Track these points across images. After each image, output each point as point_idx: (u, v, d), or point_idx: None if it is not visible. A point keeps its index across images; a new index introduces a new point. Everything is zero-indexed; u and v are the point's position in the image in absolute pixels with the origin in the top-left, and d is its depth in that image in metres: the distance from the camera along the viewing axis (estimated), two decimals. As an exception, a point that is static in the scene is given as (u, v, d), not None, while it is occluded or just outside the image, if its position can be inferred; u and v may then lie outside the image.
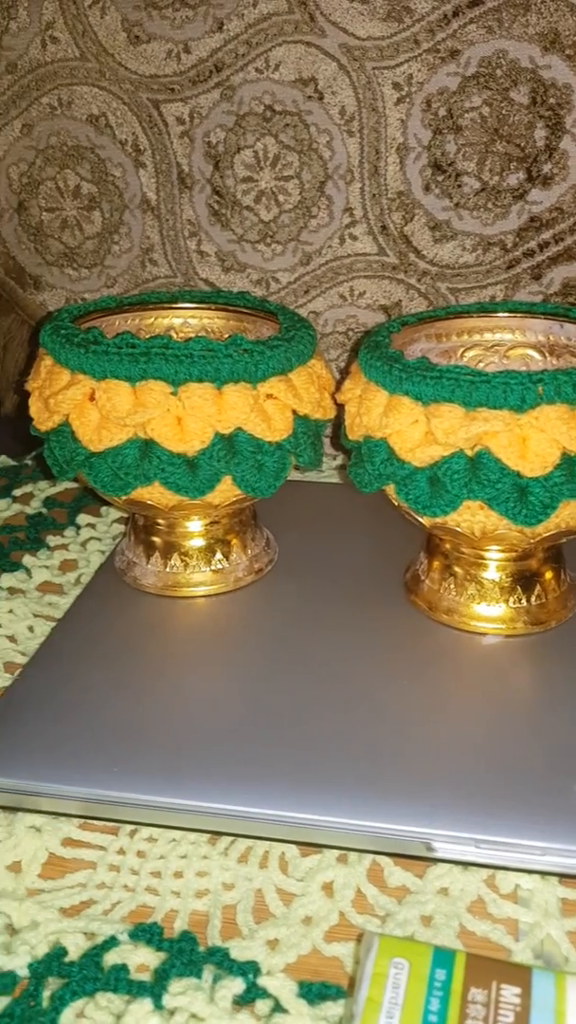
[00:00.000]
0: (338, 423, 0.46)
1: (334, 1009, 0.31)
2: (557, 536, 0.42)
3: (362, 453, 0.42)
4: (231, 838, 0.37)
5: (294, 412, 0.43)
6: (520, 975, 0.28)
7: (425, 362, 0.40)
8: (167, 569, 0.47)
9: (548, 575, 0.45)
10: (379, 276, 0.60)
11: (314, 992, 0.31)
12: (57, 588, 0.52)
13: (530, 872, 0.35)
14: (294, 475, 0.60)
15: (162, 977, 0.31)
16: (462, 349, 0.49)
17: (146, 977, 0.31)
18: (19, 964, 0.31)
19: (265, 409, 0.42)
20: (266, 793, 0.36)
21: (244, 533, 0.48)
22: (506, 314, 0.48)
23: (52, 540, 0.56)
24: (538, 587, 0.45)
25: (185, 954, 0.31)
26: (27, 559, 0.54)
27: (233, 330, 0.51)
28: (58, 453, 0.43)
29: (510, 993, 0.28)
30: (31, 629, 0.48)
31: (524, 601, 0.44)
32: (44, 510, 0.59)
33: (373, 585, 0.48)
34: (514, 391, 0.37)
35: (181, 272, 0.62)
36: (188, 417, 0.40)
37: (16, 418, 0.69)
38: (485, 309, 0.48)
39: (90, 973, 0.31)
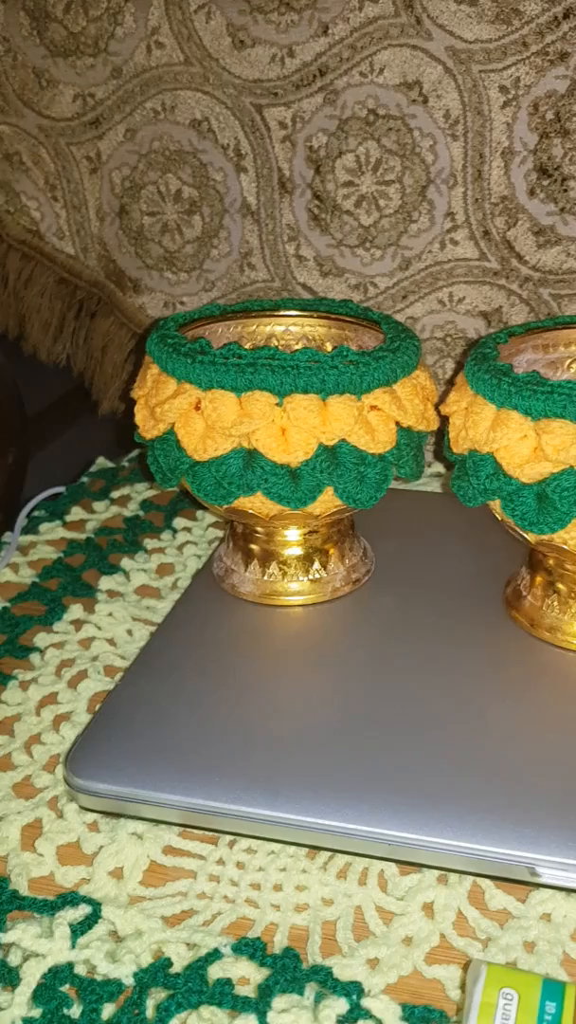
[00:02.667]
0: (440, 433, 0.46)
1: (436, 1035, 0.30)
2: None
3: (467, 467, 0.41)
4: (330, 853, 0.37)
5: (397, 424, 0.43)
6: (633, 1013, 0.27)
7: (536, 376, 0.39)
8: (265, 577, 0.47)
9: None
10: (480, 282, 0.59)
11: (417, 1015, 0.30)
12: (155, 592, 0.53)
13: None
14: (392, 483, 0.60)
15: (266, 993, 0.31)
16: (569, 360, 0.48)
17: (247, 991, 0.31)
18: (125, 972, 0.32)
19: (369, 421, 0.41)
20: (365, 810, 0.35)
21: (342, 543, 0.48)
22: (617, 325, 0.47)
23: (149, 543, 0.57)
24: None
25: (289, 971, 0.31)
26: (125, 562, 0.55)
27: (335, 338, 0.50)
28: (162, 461, 0.43)
29: (622, 1031, 0.27)
30: (130, 633, 0.49)
31: (630, 621, 0.43)
32: (141, 513, 0.60)
33: (472, 599, 0.47)
34: (630, 408, 0.36)
35: (279, 276, 0.62)
36: (292, 428, 0.40)
37: (115, 420, 0.70)
38: (595, 320, 0.47)
39: (195, 986, 0.31)
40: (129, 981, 0.31)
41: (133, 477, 0.64)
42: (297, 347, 0.51)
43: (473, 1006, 0.28)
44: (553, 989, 0.28)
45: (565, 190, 0.55)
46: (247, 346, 0.51)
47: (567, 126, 0.54)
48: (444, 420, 0.45)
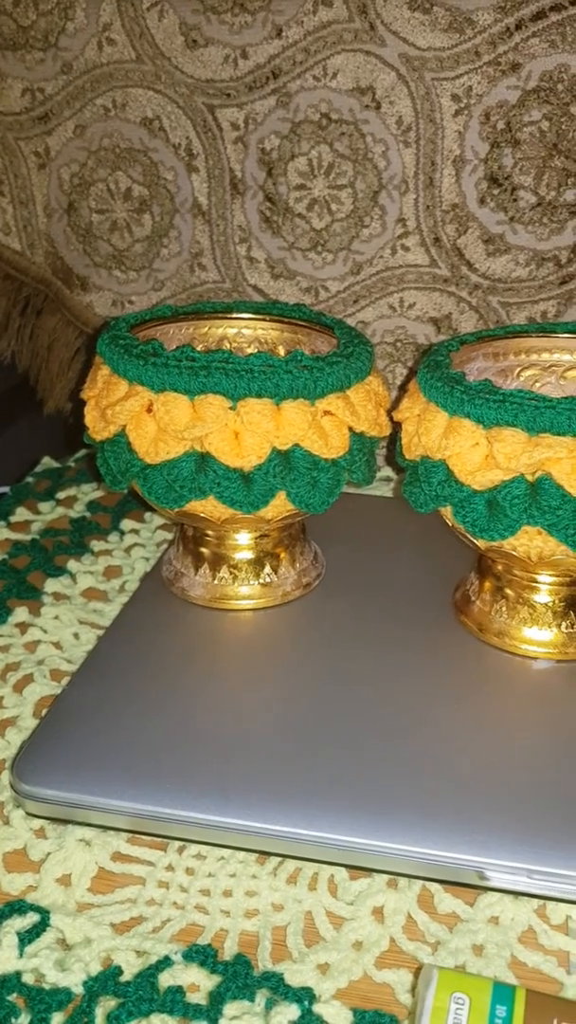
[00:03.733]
0: (392, 438, 0.46)
1: (387, 1039, 0.30)
2: (614, 563, 0.41)
3: (419, 473, 0.42)
4: (280, 858, 0.36)
5: (350, 429, 0.43)
6: (580, 1014, 0.28)
7: (488, 384, 0.39)
8: (215, 581, 0.47)
9: (601, 600, 0.45)
10: (430, 288, 0.59)
11: (368, 1020, 0.31)
12: (102, 595, 0.52)
13: (582, 904, 0.35)
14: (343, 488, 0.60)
15: (217, 1000, 0.31)
16: (519, 369, 0.48)
17: (199, 999, 0.31)
18: (74, 981, 0.31)
19: (322, 426, 0.41)
20: (315, 815, 0.35)
21: (293, 547, 0.48)
22: (565, 335, 0.48)
23: (96, 545, 0.56)
24: (590, 612, 0.44)
25: (240, 977, 0.31)
26: (72, 564, 0.54)
27: (288, 342, 0.50)
28: (113, 463, 0.42)
29: (570, 1033, 0.27)
30: (76, 636, 0.48)
31: (576, 626, 0.44)
32: (88, 514, 0.59)
33: (421, 603, 0.48)
34: (579, 418, 0.37)
35: (230, 278, 0.61)
36: (246, 432, 0.40)
37: (61, 419, 0.69)
38: (544, 329, 0.48)
39: (146, 994, 0.30)
40: (78, 990, 0.31)
41: (80, 478, 0.63)
42: (250, 350, 0.51)
43: (425, 1011, 0.28)
44: (503, 993, 0.28)
45: (515, 200, 0.56)
46: (199, 348, 0.50)
47: (518, 136, 0.55)
48: (396, 426, 0.46)
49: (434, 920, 0.34)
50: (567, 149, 0.55)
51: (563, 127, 0.54)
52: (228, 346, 0.51)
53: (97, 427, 0.42)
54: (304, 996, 0.31)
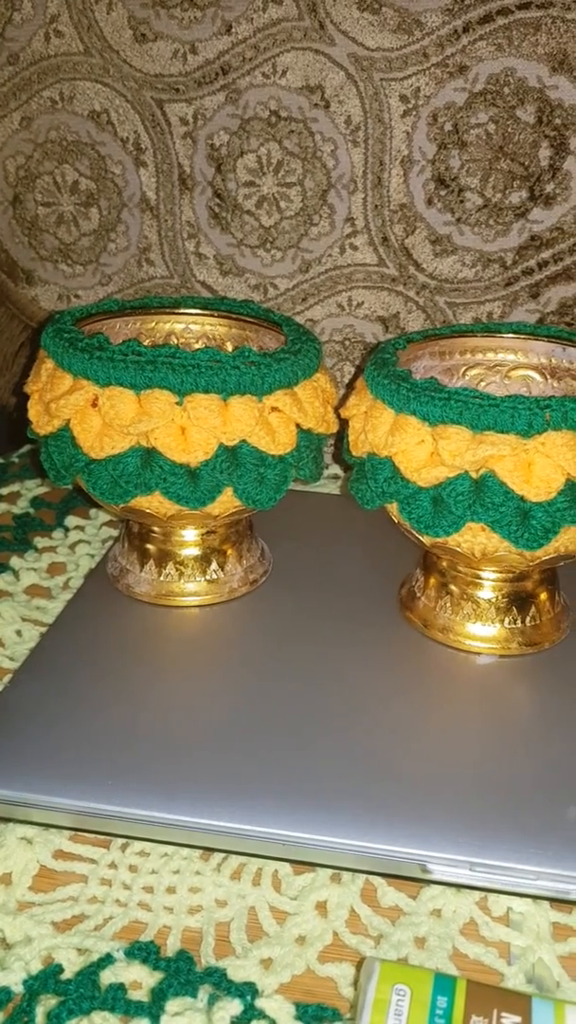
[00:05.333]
0: (339, 435, 0.46)
1: (330, 1032, 0.30)
2: (555, 560, 0.42)
3: (365, 470, 0.42)
4: (224, 854, 0.36)
5: (298, 426, 0.43)
6: (520, 1003, 0.28)
7: (433, 383, 0.40)
8: (161, 578, 0.46)
9: (543, 597, 0.45)
10: (378, 287, 0.60)
11: (311, 1014, 0.31)
12: (45, 592, 0.51)
13: (522, 895, 0.35)
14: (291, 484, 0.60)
15: (159, 997, 0.30)
16: (464, 368, 0.49)
17: (142, 996, 0.31)
18: (14, 980, 0.31)
19: (270, 422, 0.41)
20: (260, 810, 0.35)
21: (240, 543, 0.48)
22: (510, 335, 0.48)
23: (40, 542, 0.55)
24: (533, 608, 0.45)
25: (182, 973, 0.31)
26: (14, 561, 0.53)
27: (236, 338, 0.50)
28: (57, 458, 0.42)
29: (510, 1021, 0.28)
30: (19, 633, 0.48)
31: (519, 622, 0.44)
32: (31, 510, 0.59)
33: (368, 600, 0.48)
34: (522, 416, 0.37)
35: (178, 273, 0.61)
36: (192, 428, 0.40)
37: (5, 414, 0.68)
38: (489, 329, 0.49)
39: (87, 991, 0.30)
40: (18, 988, 0.31)
41: (23, 473, 0.63)
42: (197, 346, 0.51)
43: (367, 1003, 0.28)
44: (444, 984, 0.29)
45: (461, 201, 0.57)
46: (146, 343, 0.50)
47: (464, 138, 0.55)
48: (343, 423, 0.46)
49: (377, 913, 0.35)
50: (513, 152, 0.55)
51: (509, 130, 0.55)
52: (175, 342, 0.50)
53: (41, 421, 0.42)
54: (246, 991, 0.31)
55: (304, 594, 0.48)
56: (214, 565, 0.47)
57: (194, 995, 0.31)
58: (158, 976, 0.31)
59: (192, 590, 0.46)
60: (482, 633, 0.45)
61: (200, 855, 0.36)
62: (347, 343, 0.62)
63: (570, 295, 0.59)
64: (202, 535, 0.46)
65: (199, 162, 0.58)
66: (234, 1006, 0.30)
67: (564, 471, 0.38)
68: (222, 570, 0.47)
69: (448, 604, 0.45)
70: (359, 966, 0.33)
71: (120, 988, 0.30)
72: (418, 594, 0.47)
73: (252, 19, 0.54)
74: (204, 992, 0.31)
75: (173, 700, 0.41)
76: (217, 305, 0.50)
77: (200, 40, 0.55)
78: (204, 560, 0.47)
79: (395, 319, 0.61)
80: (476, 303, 0.60)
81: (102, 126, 0.58)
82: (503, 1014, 0.28)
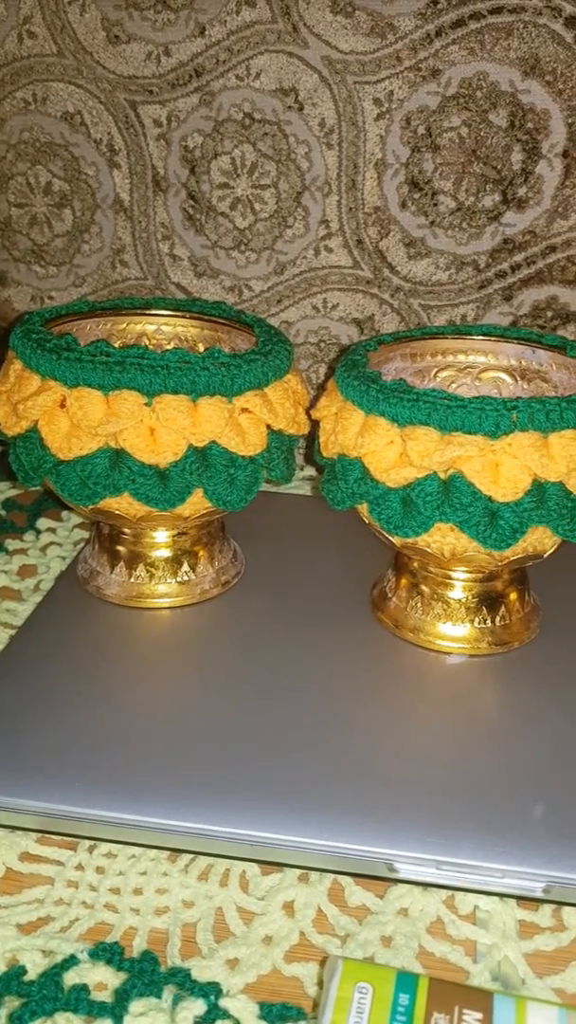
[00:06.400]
0: (311, 437, 0.46)
1: (294, 1031, 0.31)
2: (524, 560, 0.42)
3: (336, 471, 0.42)
4: (192, 855, 0.36)
5: (268, 427, 0.43)
6: (482, 1000, 0.28)
7: (402, 384, 0.40)
8: (131, 579, 0.46)
9: (513, 596, 0.45)
10: (353, 289, 0.60)
11: (275, 1014, 0.31)
12: (15, 594, 0.51)
13: (489, 894, 0.35)
14: (263, 486, 0.60)
15: (123, 998, 0.30)
16: (436, 369, 0.49)
17: (106, 997, 0.31)
18: (-24, 984, 0.31)
19: (240, 423, 0.41)
20: (227, 811, 0.35)
21: (211, 545, 0.48)
22: (480, 337, 0.48)
23: (11, 544, 0.55)
24: (503, 608, 0.45)
25: (146, 974, 0.31)
26: (-13, 562, 0.53)
27: (208, 340, 0.50)
28: (25, 459, 0.42)
29: (472, 1018, 0.28)
30: (-10, 635, 0.48)
31: (489, 622, 0.45)
32: (3, 512, 0.58)
33: (340, 601, 0.48)
34: (489, 417, 0.38)
35: (152, 275, 0.61)
36: (162, 429, 0.40)
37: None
38: (460, 331, 0.49)
39: (50, 993, 0.30)
40: (-19, 993, 0.30)
41: (-4, 475, 0.63)
42: (169, 347, 0.51)
43: (329, 1001, 0.28)
44: (407, 981, 0.29)
45: (435, 204, 0.57)
46: (117, 345, 0.50)
47: (438, 142, 0.56)
48: (315, 424, 0.46)
49: (344, 913, 0.35)
50: (485, 156, 0.56)
51: (482, 134, 0.55)
52: (147, 343, 0.50)
53: (9, 422, 0.42)
54: (210, 991, 0.31)
55: (276, 595, 0.48)
56: (185, 567, 0.47)
57: (159, 995, 0.31)
58: (122, 977, 0.31)
59: (163, 592, 0.46)
60: (452, 633, 0.45)
61: (168, 856, 0.36)
62: (322, 345, 0.62)
63: (543, 298, 0.59)
64: (173, 536, 0.46)
65: (173, 164, 0.58)
66: (198, 1006, 0.30)
67: (530, 472, 0.38)
68: (193, 572, 0.47)
69: (419, 604, 0.45)
70: (324, 965, 0.33)
71: (83, 989, 0.30)
72: (389, 595, 0.47)
73: (225, 22, 0.54)
74: (169, 992, 0.31)
75: (142, 702, 0.41)
76: (189, 306, 0.50)
77: (173, 42, 0.55)
78: (175, 562, 0.47)
79: (370, 321, 0.61)
80: (450, 306, 0.60)
81: (75, 127, 0.58)
82: (465, 1011, 0.28)
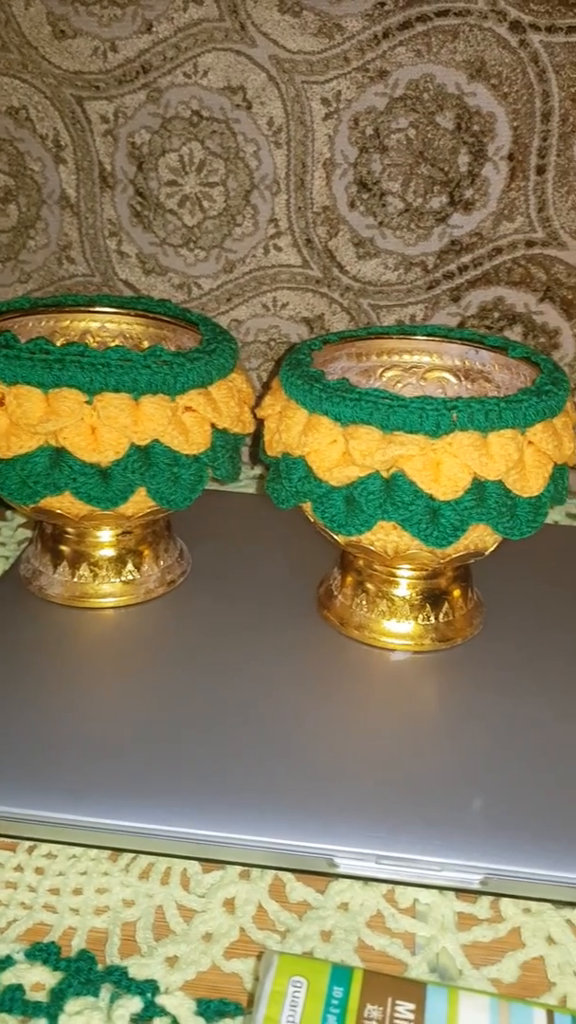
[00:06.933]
0: (257, 435, 0.46)
1: (232, 1027, 0.31)
2: (466, 557, 0.43)
3: (280, 469, 0.42)
4: (132, 854, 0.36)
5: (213, 425, 0.43)
6: (415, 991, 0.29)
7: (345, 383, 0.40)
8: (75, 579, 0.46)
9: (456, 593, 0.46)
10: (303, 288, 0.60)
11: (212, 1010, 0.31)
12: (-39, 592, 0.51)
13: (428, 887, 0.36)
14: (210, 484, 0.60)
15: (59, 997, 0.30)
16: (381, 369, 0.49)
17: (42, 997, 0.31)
18: None
19: (183, 422, 0.41)
20: (168, 809, 0.35)
21: (157, 544, 0.48)
22: (424, 338, 0.49)
23: (-43, 542, 0.55)
24: (446, 605, 0.46)
25: (83, 973, 0.31)
26: None
27: (153, 338, 0.50)
28: (-35, 457, 0.41)
29: (405, 1009, 0.28)
30: None
31: (432, 618, 0.45)
32: (-50, 510, 0.58)
33: (286, 599, 0.48)
34: (429, 416, 0.38)
35: (100, 272, 0.61)
36: (103, 427, 0.40)
37: None
38: (405, 331, 0.49)
39: (-16, 995, 0.30)
40: None
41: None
42: (113, 345, 0.51)
43: (263, 995, 0.28)
44: (341, 974, 0.29)
45: (383, 205, 0.58)
46: (59, 342, 0.50)
47: (385, 143, 0.56)
48: (260, 423, 0.46)
49: (284, 908, 0.35)
50: (433, 157, 0.56)
51: (429, 136, 0.56)
52: (91, 341, 0.50)
53: (-52, 420, 0.41)
54: (147, 988, 0.31)
55: (222, 594, 0.48)
56: (130, 566, 0.47)
57: (95, 994, 0.31)
58: (59, 976, 0.31)
59: (107, 591, 0.46)
60: (397, 630, 0.45)
61: (108, 856, 0.36)
62: (272, 344, 0.62)
63: (490, 299, 0.60)
64: (117, 536, 0.46)
65: (120, 160, 0.58)
66: (134, 1004, 0.30)
67: (470, 470, 0.39)
68: (138, 571, 0.47)
69: (364, 602, 0.46)
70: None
71: (18, 989, 0.30)
72: (335, 593, 0.47)
73: (173, 18, 0.54)
74: (106, 991, 0.31)
75: (84, 702, 0.40)
76: (133, 304, 0.50)
77: (120, 38, 0.55)
78: (119, 561, 0.46)
79: (320, 320, 0.61)
80: (399, 306, 0.61)
81: (20, 122, 0.57)
82: (398, 1002, 0.28)
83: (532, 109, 0.54)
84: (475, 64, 0.54)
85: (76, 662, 0.43)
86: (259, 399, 0.46)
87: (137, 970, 0.32)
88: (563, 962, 0.34)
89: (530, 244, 0.58)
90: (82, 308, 0.50)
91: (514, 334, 0.61)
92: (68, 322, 0.50)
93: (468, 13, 0.53)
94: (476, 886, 0.35)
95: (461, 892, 0.36)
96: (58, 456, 0.40)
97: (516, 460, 0.39)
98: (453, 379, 0.49)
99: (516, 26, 0.52)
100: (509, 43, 0.53)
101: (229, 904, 0.35)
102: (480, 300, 0.60)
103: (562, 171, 0.56)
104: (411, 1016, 0.28)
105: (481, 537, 0.41)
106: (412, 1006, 0.28)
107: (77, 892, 0.35)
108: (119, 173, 0.58)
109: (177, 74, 0.55)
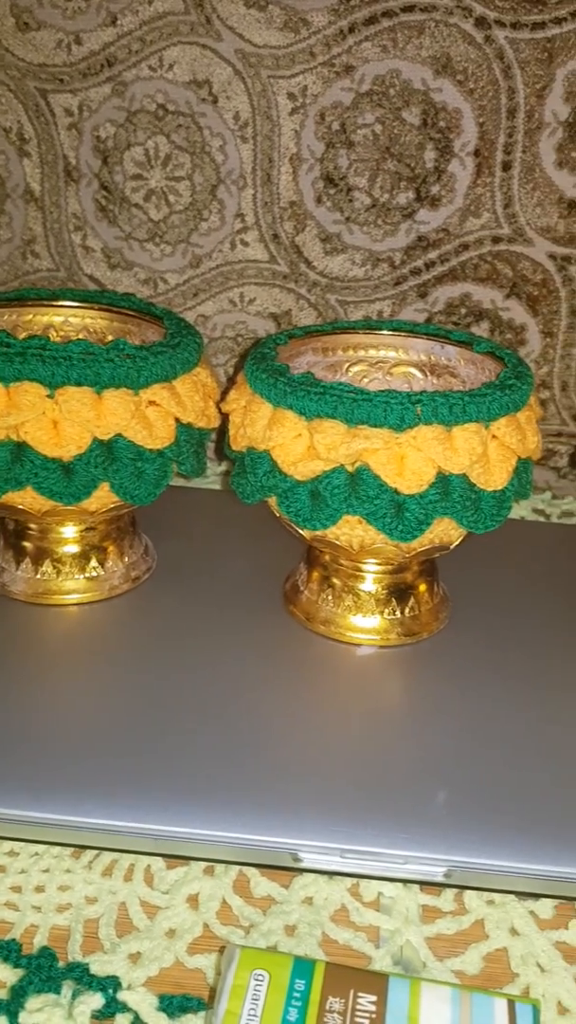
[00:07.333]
0: (223, 431, 0.46)
1: (194, 1022, 0.31)
2: (431, 551, 0.43)
3: (245, 464, 0.42)
4: (96, 851, 0.36)
5: (177, 420, 0.43)
6: (377, 983, 0.29)
7: (310, 377, 0.40)
8: (38, 576, 0.46)
9: (422, 588, 0.46)
10: (270, 284, 0.60)
11: (175, 1005, 0.31)
12: None
13: (392, 880, 0.36)
14: (176, 480, 0.60)
15: (19, 994, 0.30)
16: (347, 364, 0.49)
17: (2, 994, 0.30)
18: None
19: (147, 416, 0.41)
20: (132, 806, 0.35)
21: (121, 540, 0.48)
22: (390, 332, 0.49)
23: None
24: (412, 599, 0.46)
25: (44, 970, 0.31)
26: None
27: (117, 332, 0.50)
28: None
29: (366, 1001, 0.28)
30: None
31: (398, 613, 0.45)
32: None
33: (252, 595, 0.48)
34: (394, 410, 0.38)
35: (64, 266, 0.60)
36: (65, 421, 0.39)
37: None
38: (371, 326, 0.49)
39: (-58, 994, 0.30)
40: None
41: None
42: (76, 339, 0.50)
43: (225, 989, 0.28)
44: (303, 967, 0.29)
45: (350, 200, 0.58)
46: (21, 336, 0.49)
47: (352, 138, 0.56)
48: (225, 418, 0.46)
49: (248, 904, 0.35)
50: (399, 153, 0.56)
51: (395, 131, 0.56)
52: (54, 335, 0.50)
53: None
54: (109, 984, 0.30)
55: (188, 590, 0.48)
56: (94, 562, 0.46)
57: (57, 991, 0.31)
58: (19, 973, 0.31)
59: (70, 588, 0.46)
60: (363, 625, 0.45)
61: (71, 853, 0.36)
62: (239, 339, 0.62)
63: (456, 295, 0.60)
64: (81, 532, 0.46)
65: (85, 154, 0.57)
66: (96, 1000, 0.30)
67: (435, 464, 0.39)
68: (102, 567, 0.46)
69: (330, 597, 0.46)
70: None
71: (-23, 988, 0.30)
72: (301, 588, 0.47)
73: (137, 12, 0.54)
74: (68, 988, 0.31)
75: (47, 699, 0.40)
76: (97, 298, 0.50)
77: (85, 31, 0.54)
78: (83, 557, 0.46)
79: (287, 316, 0.61)
80: (366, 301, 0.61)
81: (-15, 115, 0.57)
82: (360, 994, 0.28)
83: (498, 105, 0.55)
84: (441, 60, 0.54)
85: (39, 659, 0.42)
86: (224, 394, 0.46)
87: (99, 967, 0.32)
88: (526, 953, 0.34)
89: (496, 240, 0.58)
90: (45, 302, 0.49)
91: (481, 330, 0.61)
92: (31, 316, 0.49)
93: (434, 9, 0.53)
94: (440, 879, 0.35)
95: (425, 885, 0.36)
96: (19, 451, 0.39)
97: (480, 454, 0.39)
98: (419, 374, 0.49)
99: (481, 22, 0.53)
100: (475, 39, 0.53)
101: (193, 900, 0.35)
102: (447, 296, 0.60)
103: (527, 167, 0.56)
104: (372, 1008, 0.28)
105: (446, 531, 0.41)
106: (374, 998, 0.28)
107: (39, 890, 0.34)
108: (84, 167, 0.57)
109: (142, 67, 0.55)
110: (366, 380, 0.50)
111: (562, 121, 0.54)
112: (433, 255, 0.59)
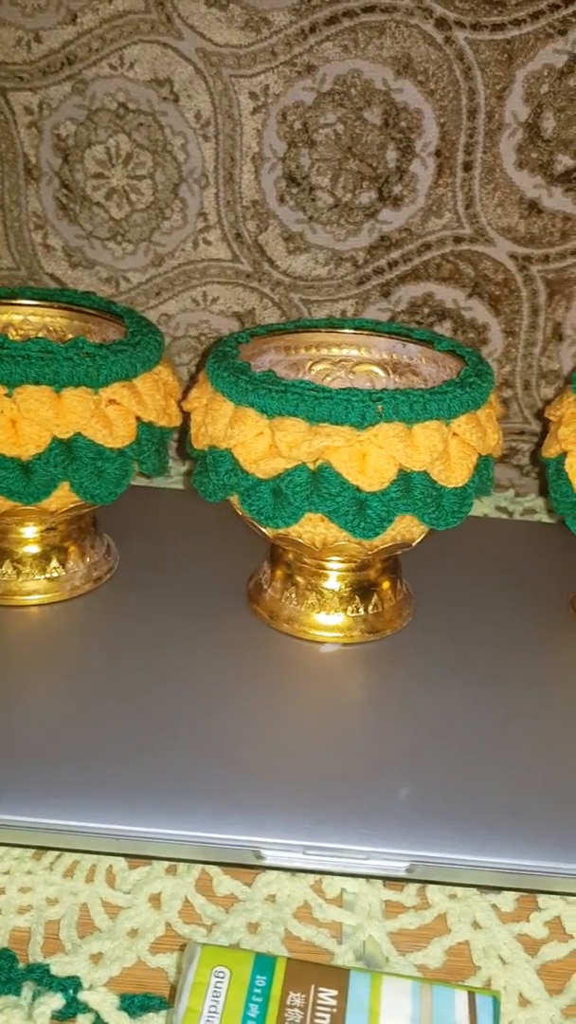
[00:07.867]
0: (185, 430, 0.46)
1: (156, 1021, 0.30)
2: (393, 548, 0.43)
3: (207, 463, 0.42)
4: (57, 852, 0.36)
5: (138, 419, 0.42)
6: (338, 977, 0.29)
7: (271, 375, 0.40)
8: (-1, 576, 0.45)
9: (385, 585, 0.46)
10: (233, 283, 0.60)
11: (136, 1004, 0.31)
12: None
13: (355, 876, 0.36)
14: (139, 480, 0.59)
15: (-23, 999, 0.30)
16: (310, 363, 0.50)
17: (-39, 999, 0.30)
18: None
19: (107, 415, 0.41)
20: (93, 806, 0.35)
21: (83, 540, 0.47)
22: (352, 331, 0.49)
23: None
24: (375, 597, 0.46)
25: (3, 971, 0.31)
26: None
27: (77, 331, 0.50)
28: None
29: (327, 995, 0.28)
30: None
31: (362, 610, 0.45)
32: None
33: (215, 594, 0.48)
34: (355, 408, 0.38)
35: (25, 265, 0.60)
36: (23, 420, 0.39)
37: None
38: (333, 325, 0.49)
39: None
40: None
41: None
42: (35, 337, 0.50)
43: (185, 986, 0.28)
44: (264, 964, 0.29)
45: (313, 199, 0.58)
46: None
47: (314, 137, 0.56)
48: (187, 416, 0.46)
49: (211, 902, 0.35)
50: (361, 153, 0.56)
51: (357, 131, 0.56)
52: (13, 334, 0.49)
53: None
54: (69, 985, 0.30)
55: (151, 590, 0.48)
56: (54, 562, 0.46)
57: (17, 993, 0.30)
58: (-22, 977, 0.31)
59: (31, 588, 0.46)
60: (326, 622, 0.45)
61: (32, 854, 0.36)
62: (203, 338, 0.62)
63: (419, 295, 0.60)
64: (41, 532, 0.45)
65: (45, 152, 0.57)
66: (56, 1000, 0.30)
67: (396, 462, 0.39)
68: (63, 567, 0.46)
69: (294, 595, 0.46)
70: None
71: None
72: (265, 586, 0.47)
73: (98, 10, 0.54)
74: (28, 989, 0.30)
75: (7, 700, 0.40)
76: (57, 296, 0.49)
77: (44, 28, 0.54)
78: (44, 558, 0.46)
79: (251, 315, 0.61)
80: (330, 301, 0.61)
81: (-56, 112, 0.56)
82: (320, 989, 0.28)
83: (458, 106, 0.55)
84: (402, 60, 0.54)
85: (0, 660, 0.42)
86: (186, 393, 0.46)
87: (60, 967, 0.31)
88: (488, 946, 0.34)
89: (458, 240, 0.58)
90: (4, 300, 0.49)
91: (444, 329, 0.61)
92: (-11, 314, 0.49)
93: (394, 9, 0.53)
94: (403, 873, 0.35)
95: (388, 880, 0.36)
96: (-23, 450, 0.39)
97: (441, 451, 0.40)
98: (381, 372, 0.50)
99: (442, 23, 0.53)
100: (435, 40, 0.53)
101: (155, 899, 0.35)
102: (410, 295, 0.60)
103: (488, 168, 0.56)
104: (333, 1002, 0.28)
105: (408, 528, 0.42)
106: (335, 992, 0.28)
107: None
108: (44, 165, 0.57)
109: (103, 66, 0.55)
110: (329, 379, 0.50)
111: (522, 122, 0.55)
112: (396, 255, 0.59)
